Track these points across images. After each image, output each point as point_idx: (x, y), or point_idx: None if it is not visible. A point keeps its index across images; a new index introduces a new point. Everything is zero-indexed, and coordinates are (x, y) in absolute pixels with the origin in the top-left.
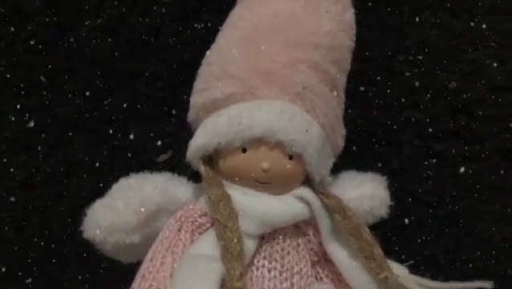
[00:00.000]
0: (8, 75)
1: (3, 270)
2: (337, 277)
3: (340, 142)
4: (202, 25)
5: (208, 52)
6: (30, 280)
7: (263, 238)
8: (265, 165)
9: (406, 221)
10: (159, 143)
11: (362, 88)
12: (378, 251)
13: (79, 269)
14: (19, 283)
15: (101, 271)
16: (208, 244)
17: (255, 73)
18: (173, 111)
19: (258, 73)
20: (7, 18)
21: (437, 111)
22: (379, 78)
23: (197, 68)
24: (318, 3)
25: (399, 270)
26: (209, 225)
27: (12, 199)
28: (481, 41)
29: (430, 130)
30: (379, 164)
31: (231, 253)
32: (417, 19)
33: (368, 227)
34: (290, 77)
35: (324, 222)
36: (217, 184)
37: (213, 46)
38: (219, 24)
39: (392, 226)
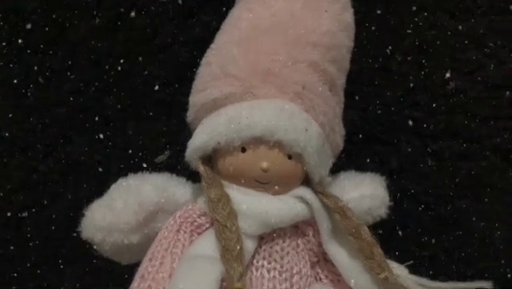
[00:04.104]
0: (5, 75)
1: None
2: (337, 278)
3: (340, 142)
4: (200, 24)
5: (207, 52)
6: (27, 281)
7: (263, 239)
8: (264, 165)
9: (405, 221)
10: (157, 143)
11: (360, 88)
12: (378, 251)
13: (76, 270)
14: (16, 284)
15: (99, 273)
16: (207, 244)
17: (254, 72)
18: (172, 111)
19: (258, 72)
20: (4, 17)
21: (435, 110)
22: (377, 78)
23: (196, 68)
24: (317, 3)
25: (399, 270)
26: (208, 225)
27: (9, 199)
28: (479, 41)
29: (428, 130)
30: (378, 164)
31: (231, 253)
32: (415, 19)
33: (368, 227)
34: (289, 76)
35: (324, 222)
36: (217, 184)
37: (213, 45)
38: (217, 24)
39: (391, 226)
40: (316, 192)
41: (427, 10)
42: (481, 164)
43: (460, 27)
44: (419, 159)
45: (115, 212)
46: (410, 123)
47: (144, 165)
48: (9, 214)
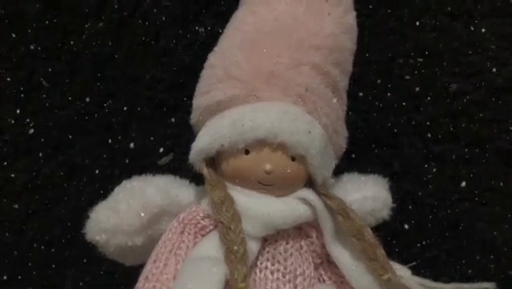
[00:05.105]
0: (9, 79)
1: (3, 273)
2: (340, 279)
3: (342, 144)
4: (203, 28)
5: (210, 55)
6: (30, 284)
7: (266, 240)
8: (267, 167)
9: (407, 223)
10: (161, 146)
11: (363, 90)
12: (381, 253)
13: (79, 273)
14: (20, 286)
15: (102, 275)
16: (211, 246)
17: (258, 75)
18: (175, 114)
19: (261, 75)
20: (8, 21)
21: (437, 113)
22: (379, 81)
23: (198, 71)
24: (320, 6)
25: (402, 271)
26: (211, 227)
27: (12, 203)
28: (481, 44)
29: (430, 132)
30: (381, 166)
31: (234, 255)
32: (417, 22)
33: (371, 229)
34: (292, 79)
35: (327, 224)
36: (220, 186)
37: (216, 48)
38: (220, 27)
39: (393, 228)
40: (319, 193)
41: (429, 12)
42: (483, 167)
43: (461, 30)
44: (421, 161)
45: (119, 214)
46: (412, 125)
47: (148, 168)
48: (13, 217)
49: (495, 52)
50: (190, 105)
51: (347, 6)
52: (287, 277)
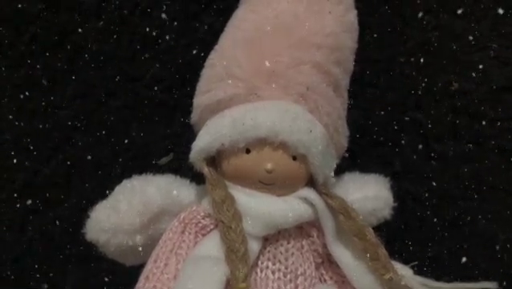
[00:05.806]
0: (9, 77)
1: (4, 272)
2: (341, 279)
3: (344, 143)
4: (203, 27)
5: (211, 53)
6: (31, 283)
7: (267, 240)
8: (268, 166)
9: (409, 222)
10: (161, 145)
11: (364, 89)
12: (382, 252)
13: (80, 272)
14: (21, 286)
15: (102, 275)
16: (212, 245)
17: (258, 74)
18: (175, 113)
19: (261, 74)
20: (9, 20)
21: (439, 112)
22: (380, 79)
23: (199, 70)
24: (320, 4)
25: (403, 270)
26: (212, 226)
27: (13, 201)
28: (483, 42)
29: (432, 131)
30: (381, 166)
31: (235, 254)
32: (419, 21)
33: (372, 228)
34: (293, 78)
35: (328, 223)
36: (221, 185)
37: (216, 47)
38: (220, 26)
39: (395, 228)
40: (320, 193)
41: (430, 11)
42: (484, 166)
43: (463, 28)
44: (422, 160)
45: (119, 213)
46: (414, 124)
47: (148, 167)
48: (13, 217)
49: (497, 51)
50: (190, 105)
51: (348, 4)
52: (288, 277)
